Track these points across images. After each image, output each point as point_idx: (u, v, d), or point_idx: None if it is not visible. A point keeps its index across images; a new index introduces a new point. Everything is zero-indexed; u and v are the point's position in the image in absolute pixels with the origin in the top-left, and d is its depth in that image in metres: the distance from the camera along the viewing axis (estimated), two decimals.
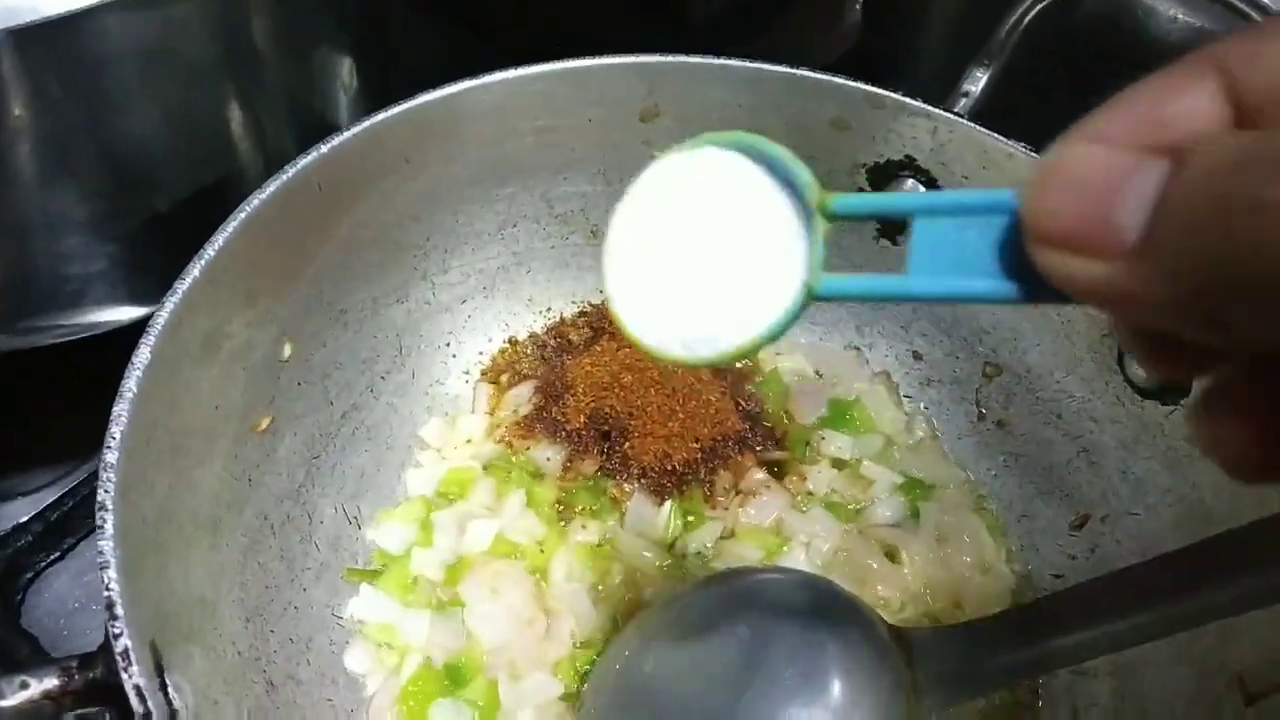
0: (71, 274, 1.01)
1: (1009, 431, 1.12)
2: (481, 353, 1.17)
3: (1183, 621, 0.76)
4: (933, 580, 1.04)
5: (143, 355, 0.75)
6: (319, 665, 0.94)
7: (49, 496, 1.13)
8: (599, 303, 1.20)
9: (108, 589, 0.64)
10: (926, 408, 1.18)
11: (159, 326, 0.77)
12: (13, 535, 1.09)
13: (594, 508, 1.05)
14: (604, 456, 1.07)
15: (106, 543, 0.66)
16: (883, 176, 1.09)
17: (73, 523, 1.11)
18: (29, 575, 1.10)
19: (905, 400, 1.19)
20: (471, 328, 1.16)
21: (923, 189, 1.08)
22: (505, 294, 1.17)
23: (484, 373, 1.17)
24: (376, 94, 1.13)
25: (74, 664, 0.65)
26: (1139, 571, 0.79)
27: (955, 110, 1.06)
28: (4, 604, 1.06)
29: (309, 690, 0.92)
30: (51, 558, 1.11)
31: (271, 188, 0.87)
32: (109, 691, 0.63)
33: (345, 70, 1.14)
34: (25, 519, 1.11)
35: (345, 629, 0.98)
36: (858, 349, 1.21)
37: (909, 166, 1.07)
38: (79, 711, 0.66)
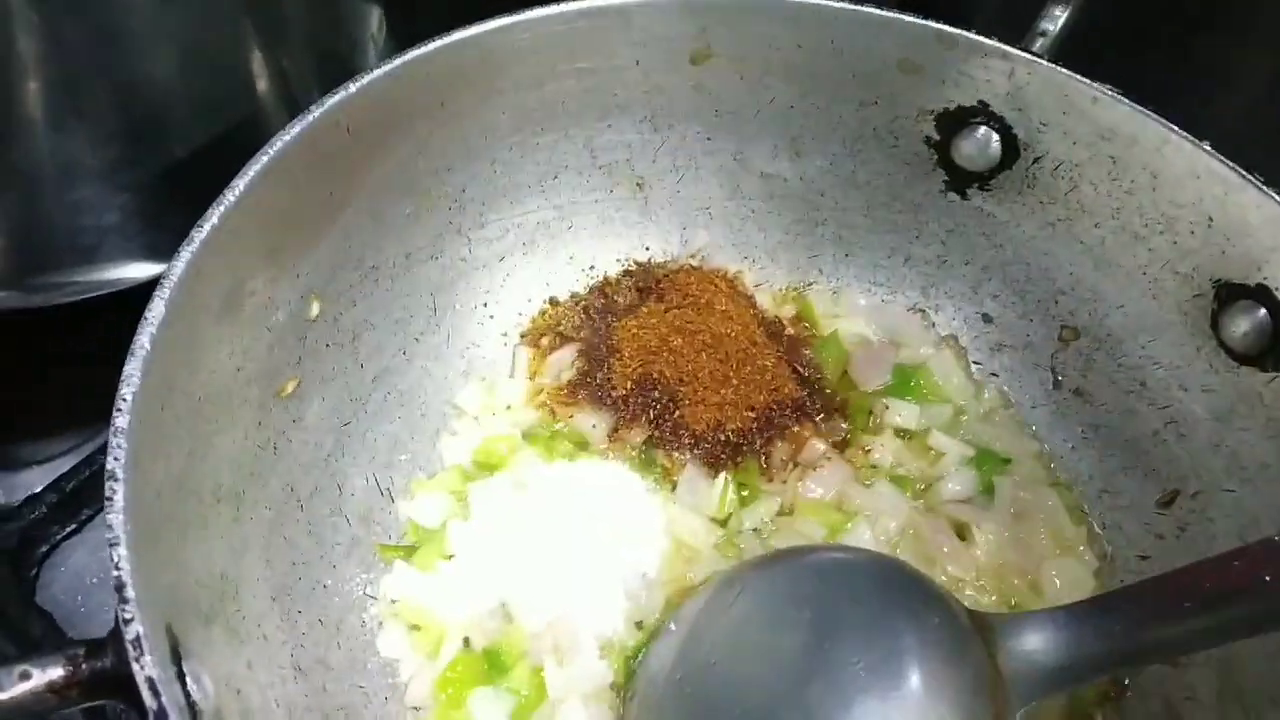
0: (85, 226, 0.94)
1: (1088, 400, 1.04)
2: (521, 314, 1.10)
3: None
4: (1008, 561, 0.97)
5: (156, 309, 0.68)
6: (350, 649, 0.88)
7: (64, 465, 1.07)
8: (645, 260, 1.13)
9: (117, 568, 0.57)
10: (997, 375, 1.10)
11: (174, 279, 0.70)
12: (26, 506, 1.03)
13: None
14: (653, 425, 1.00)
15: (116, 516, 0.59)
16: (954, 124, 1.01)
17: (89, 493, 1.05)
18: (44, 549, 1.04)
19: (975, 367, 1.11)
20: (510, 287, 1.09)
21: (996, 138, 1.00)
22: (546, 251, 1.10)
23: (523, 335, 1.09)
24: (404, 37, 1.05)
25: (80, 652, 0.59)
26: (1248, 554, 0.71)
27: (1033, 50, 0.97)
28: (17, 580, 1.00)
29: (340, 676, 0.85)
30: (67, 530, 1.05)
31: (296, 129, 0.80)
32: (119, 682, 0.57)
33: (373, 14, 1.07)
34: (39, 489, 1.04)
35: (378, 610, 0.92)
36: (923, 311, 1.13)
37: (982, 113, 0.99)
38: (88, 704, 0.59)
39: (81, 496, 1.05)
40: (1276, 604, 0.68)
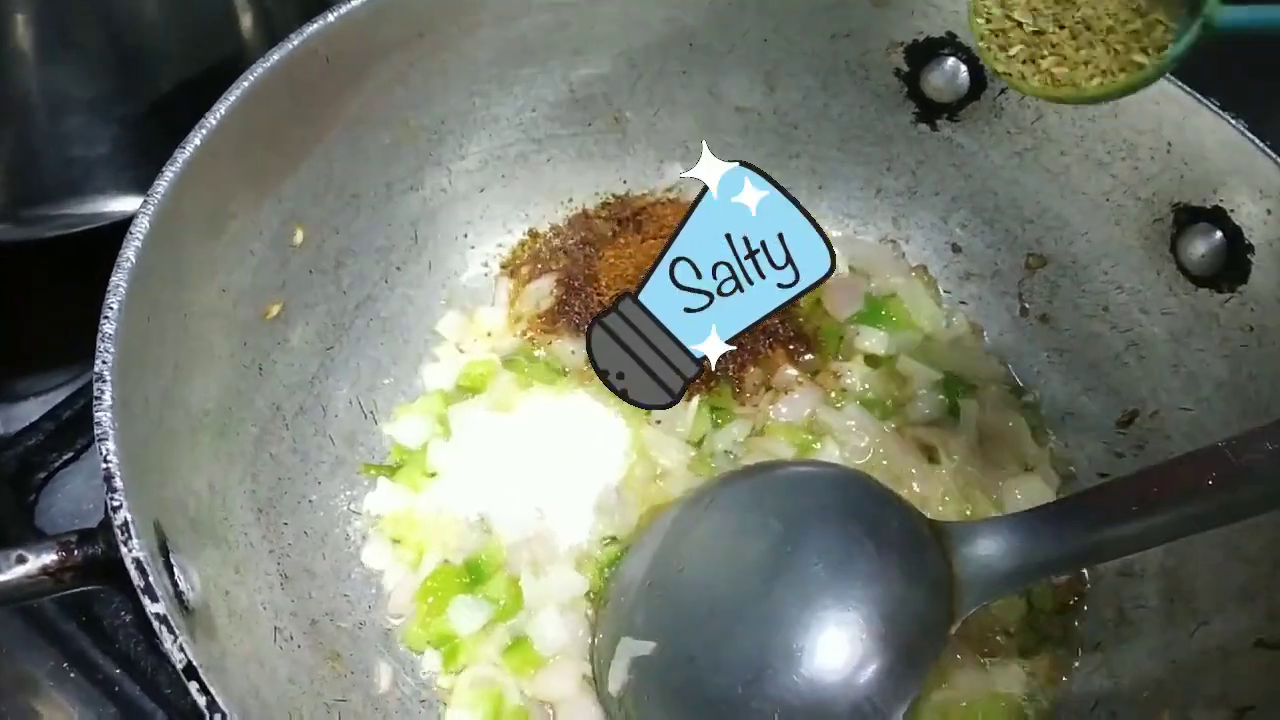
0: (74, 158, 0.97)
1: (1053, 326, 1.07)
2: (501, 244, 1.12)
3: (1238, 509, 0.72)
4: (972, 480, 1.00)
5: (141, 225, 0.71)
6: (335, 560, 0.92)
7: (60, 396, 1.09)
8: (623, 193, 1.15)
9: (105, 460, 0.61)
10: (966, 303, 1.13)
11: (158, 195, 0.73)
12: (24, 434, 1.06)
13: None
14: None
15: (104, 414, 0.63)
16: (923, 55, 1.03)
17: (84, 422, 1.07)
18: (42, 475, 1.07)
19: (944, 295, 1.13)
20: (490, 218, 1.11)
21: (964, 69, 1.02)
22: (525, 183, 1.12)
23: (503, 265, 1.12)
24: None
25: (73, 539, 0.62)
26: (1192, 459, 0.75)
27: None
28: (18, 502, 1.04)
29: (324, 584, 0.89)
30: (65, 458, 1.08)
31: (276, 57, 0.82)
32: (110, 567, 0.60)
33: None
34: (36, 419, 1.07)
35: (362, 524, 0.96)
36: (894, 242, 1.15)
37: (950, 44, 1.01)
38: (81, 589, 0.62)
39: (77, 425, 1.07)
40: (1219, 503, 0.71)
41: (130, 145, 0.97)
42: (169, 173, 0.74)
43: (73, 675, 0.95)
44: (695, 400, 1.01)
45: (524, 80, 1.05)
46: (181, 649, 0.56)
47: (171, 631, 0.56)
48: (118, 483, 0.60)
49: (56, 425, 1.07)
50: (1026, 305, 1.09)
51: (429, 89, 0.99)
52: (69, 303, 1.14)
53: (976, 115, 1.04)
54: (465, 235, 1.10)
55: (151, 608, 0.57)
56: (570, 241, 1.11)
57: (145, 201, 0.72)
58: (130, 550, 0.58)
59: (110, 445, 0.61)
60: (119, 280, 0.68)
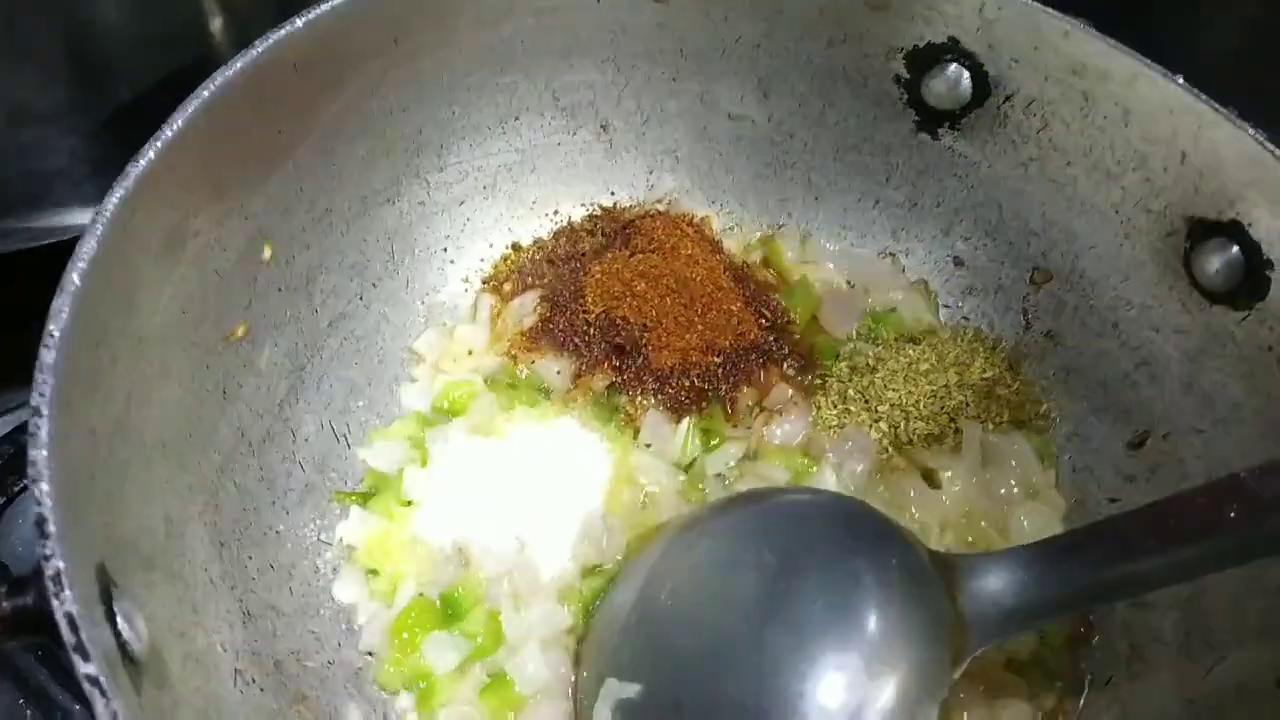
0: (31, 171, 0.92)
1: (1059, 343, 1.02)
2: (482, 259, 1.08)
3: (1263, 546, 0.68)
4: (976, 506, 0.95)
5: (88, 246, 0.66)
6: (303, 595, 0.87)
7: (23, 417, 1.05)
8: (610, 205, 1.11)
9: (38, 503, 0.56)
10: (969, 318, 1.08)
11: (107, 214, 0.67)
12: None
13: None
14: (616, 371, 0.99)
15: (39, 452, 0.58)
16: (924, 61, 0.99)
17: None
18: (1, 501, 1.02)
19: (945, 310, 1.09)
20: (471, 232, 1.07)
21: (967, 75, 0.98)
22: (507, 195, 1.07)
23: (485, 280, 1.07)
24: None
25: (2, 589, 0.57)
26: (1211, 490, 0.70)
27: None
28: None
29: (291, 621, 0.84)
30: (25, 483, 1.03)
31: (239, 65, 0.78)
32: (42, 620, 0.55)
33: None
34: None
35: (333, 556, 0.91)
36: (893, 255, 1.11)
37: (953, 49, 0.96)
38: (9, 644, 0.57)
39: None
40: (1241, 540, 0.67)
41: (88, 157, 0.93)
42: (119, 189, 0.69)
43: (29, 712, 0.90)
44: (685, 422, 0.97)
45: (505, 88, 1.01)
46: (114, 715, 0.51)
47: (104, 694, 0.51)
48: (50, 528, 0.55)
49: (16, 449, 1.02)
50: (1031, 321, 1.04)
51: (405, 98, 0.94)
52: (30, 320, 1.09)
53: (979, 124, 1.00)
54: (445, 250, 1.06)
55: (83, 669, 0.52)
56: (556, 256, 1.06)
57: (93, 220, 0.67)
58: (62, 603, 0.53)
59: (45, 487, 0.56)
60: (61, 305, 0.63)
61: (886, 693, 0.72)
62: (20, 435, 1.02)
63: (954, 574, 0.77)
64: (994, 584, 0.76)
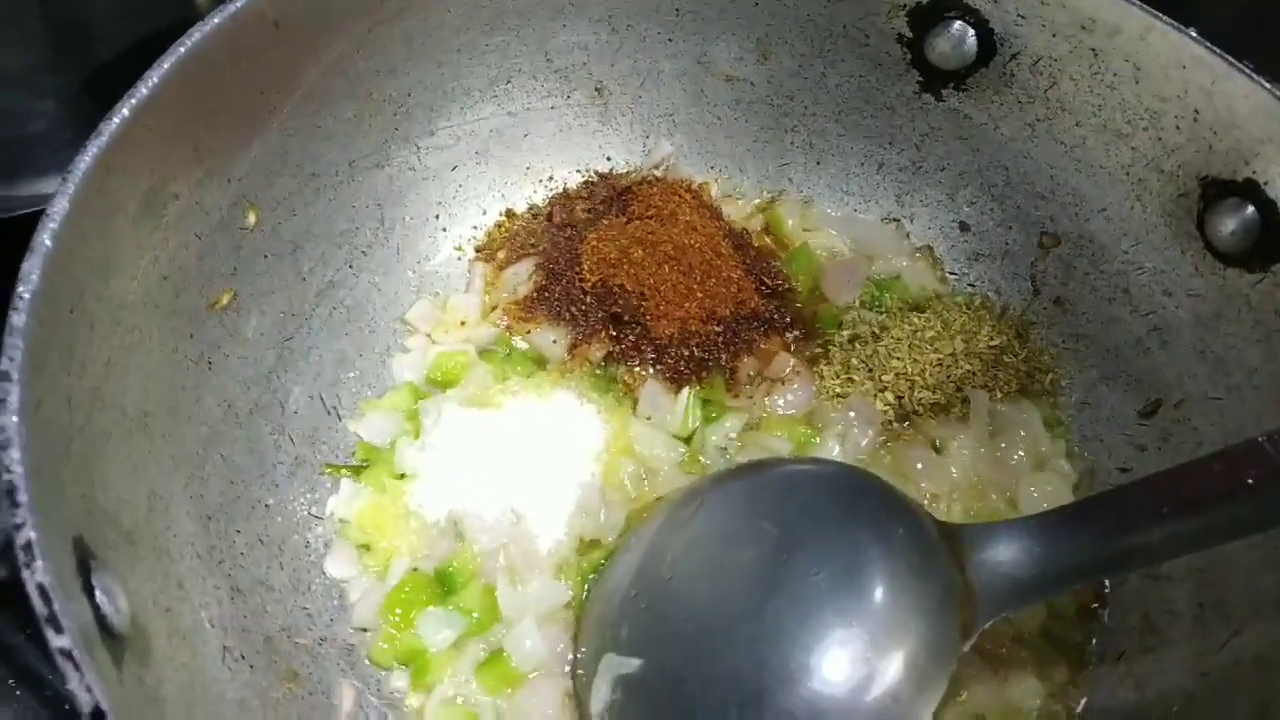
0: (7, 138, 0.89)
1: (1068, 309, 0.99)
2: (475, 226, 1.05)
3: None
4: (984, 476, 0.93)
5: (59, 206, 0.63)
6: (294, 570, 0.85)
7: None
8: (606, 171, 1.08)
9: (8, 471, 0.53)
10: (975, 285, 1.06)
11: (79, 173, 0.65)
12: None
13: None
14: (614, 340, 0.96)
15: (9, 418, 0.55)
16: (927, 19, 0.96)
17: None
18: None
19: (950, 277, 1.06)
20: (463, 198, 1.04)
21: (972, 33, 0.95)
22: (500, 160, 1.05)
23: (478, 248, 1.05)
24: None
25: None
26: (1228, 456, 0.67)
27: None
28: None
29: (281, 597, 0.82)
30: None
31: (215, 21, 0.75)
32: (13, 594, 0.53)
33: None
34: None
35: (324, 530, 0.88)
36: (897, 221, 1.08)
37: (957, 6, 0.93)
38: None
39: None
40: (1260, 507, 0.65)
41: (68, 122, 0.89)
42: (92, 147, 0.66)
43: (18, 693, 0.88)
44: (685, 392, 0.94)
45: (497, 48, 0.98)
46: (89, 689, 0.49)
47: (77, 669, 0.49)
48: (21, 496, 0.53)
49: None
50: (1040, 287, 1.01)
51: (392, 58, 0.91)
52: (7, 291, 1.07)
53: (985, 84, 0.97)
54: (436, 217, 1.03)
55: (55, 641, 0.49)
56: (551, 223, 1.03)
57: (64, 180, 0.64)
58: (33, 574, 0.51)
59: (14, 454, 0.54)
60: (31, 268, 0.60)
61: (893, 667, 0.70)
62: None
63: (962, 544, 0.75)
64: (1003, 554, 0.74)
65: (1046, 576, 0.73)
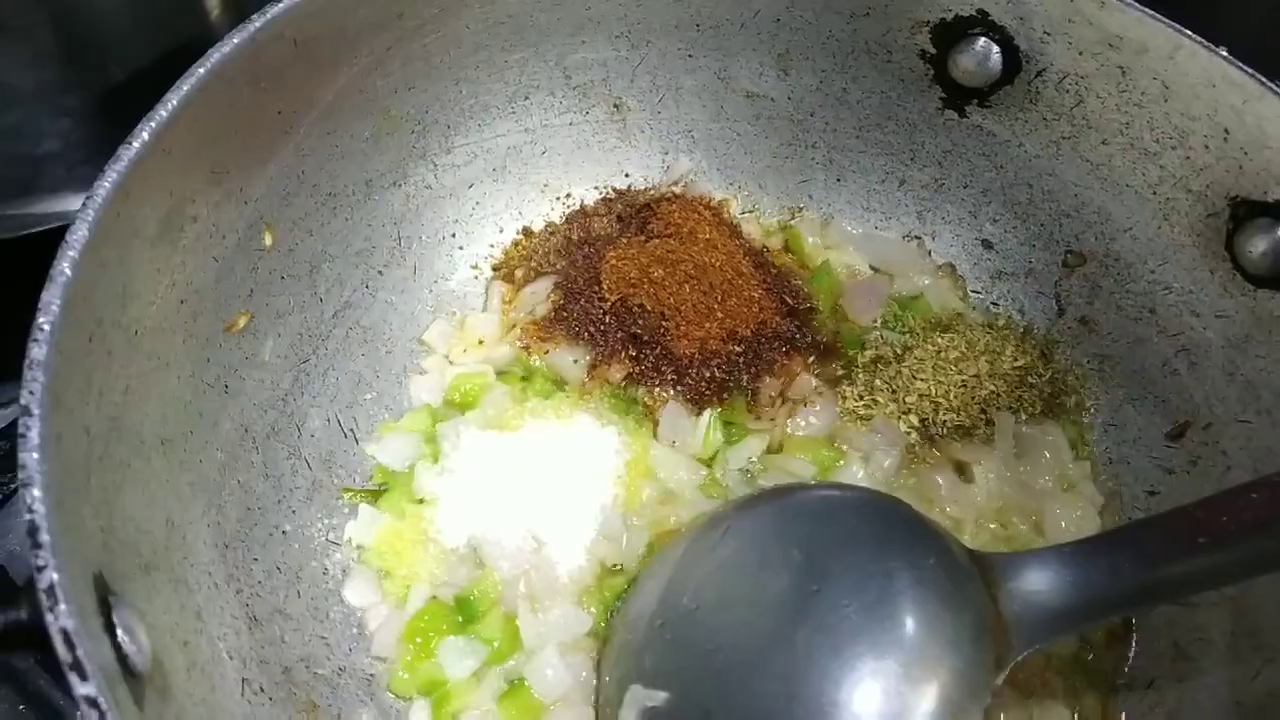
0: (21, 155, 0.88)
1: (1094, 329, 0.98)
2: (493, 245, 1.04)
3: None
4: (1009, 500, 0.92)
5: (79, 233, 0.62)
6: (311, 598, 0.83)
7: (14, 415, 1.01)
8: (625, 188, 1.07)
9: (30, 510, 0.52)
10: (998, 304, 1.04)
11: (99, 199, 0.63)
12: None
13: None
14: (634, 361, 0.95)
15: (30, 455, 0.54)
16: (951, 35, 0.94)
17: None
18: None
19: (973, 296, 1.05)
20: (480, 216, 1.03)
21: (996, 50, 0.93)
22: (518, 178, 1.03)
23: (496, 267, 1.03)
24: None
25: None
26: (1267, 486, 0.67)
27: None
28: None
29: (299, 626, 0.80)
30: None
31: (235, 41, 0.73)
32: (35, 635, 0.51)
33: None
34: None
35: (342, 557, 0.87)
36: (919, 239, 1.07)
37: (981, 22, 0.92)
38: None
39: None
40: None
41: (83, 140, 0.88)
42: (112, 172, 0.65)
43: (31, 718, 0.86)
44: (706, 414, 0.93)
45: (515, 65, 0.97)
46: None
47: (102, 717, 0.48)
48: (44, 537, 0.51)
49: (11, 445, 0.98)
50: (1064, 307, 1.00)
51: (410, 75, 0.90)
52: (22, 311, 1.05)
53: (1009, 100, 0.96)
54: (453, 235, 1.02)
55: (80, 689, 0.48)
56: (569, 241, 1.02)
57: (84, 205, 0.63)
58: (57, 618, 0.49)
59: (36, 492, 0.53)
60: (51, 297, 0.59)
61: (926, 701, 0.69)
62: (12, 432, 0.98)
63: (993, 574, 0.74)
64: (1037, 584, 0.72)
65: (1081, 607, 0.71)
